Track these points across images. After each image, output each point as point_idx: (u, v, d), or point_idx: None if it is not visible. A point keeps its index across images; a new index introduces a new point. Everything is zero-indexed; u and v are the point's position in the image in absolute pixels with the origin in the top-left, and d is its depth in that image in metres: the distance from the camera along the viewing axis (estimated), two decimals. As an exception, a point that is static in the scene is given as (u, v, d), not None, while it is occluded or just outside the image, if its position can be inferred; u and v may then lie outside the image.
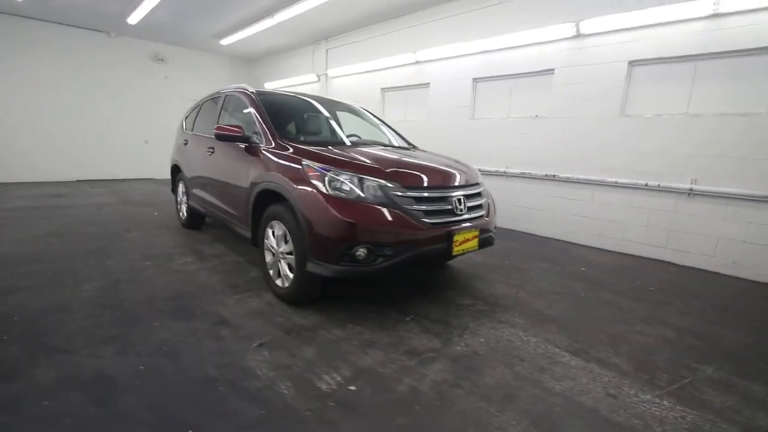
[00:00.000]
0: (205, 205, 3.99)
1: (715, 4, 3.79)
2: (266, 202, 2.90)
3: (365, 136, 3.87)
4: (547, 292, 3.28)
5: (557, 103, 5.13)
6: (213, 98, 4.35)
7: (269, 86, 10.47)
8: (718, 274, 4.03)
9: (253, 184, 2.95)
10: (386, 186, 2.41)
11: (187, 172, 4.43)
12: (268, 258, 2.92)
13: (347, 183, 2.39)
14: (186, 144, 4.55)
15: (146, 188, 8.34)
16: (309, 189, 2.42)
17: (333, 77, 8.46)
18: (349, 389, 1.87)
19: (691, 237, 4.23)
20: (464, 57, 6.02)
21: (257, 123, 3.18)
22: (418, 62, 6.69)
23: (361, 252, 2.31)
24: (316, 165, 2.48)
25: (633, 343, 2.49)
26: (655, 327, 2.73)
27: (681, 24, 4.09)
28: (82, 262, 3.44)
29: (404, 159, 2.87)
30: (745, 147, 3.85)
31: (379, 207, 2.36)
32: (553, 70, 5.13)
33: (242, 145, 3.18)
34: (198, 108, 4.66)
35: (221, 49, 9.82)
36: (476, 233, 2.72)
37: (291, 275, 2.66)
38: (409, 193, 2.47)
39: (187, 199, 4.54)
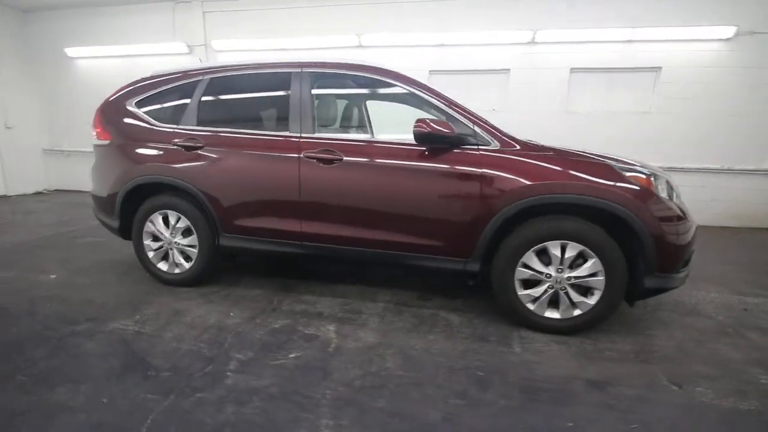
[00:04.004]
0: (306, 240, 2.58)
1: (632, 32, 5.34)
2: (513, 222, 2.29)
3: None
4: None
5: (513, 99, 5.92)
6: (248, 74, 2.79)
7: (74, 53, 6.93)
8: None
9: (498, 201, 2.24)
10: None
11: (222, 195, 2.66)
12: (525, 290, 2.33)
13: (668, 184, 2.26)
14: (194, 150, 2.69)
15: None
16: (653, 197, 2.14)
17: (221, 51, 6.47)
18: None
19: (614, 200, 5.94)
20: (420, 48, 5.94)
21: (463, 118, 2.38)
22: (361, 46, 6.07)
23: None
24: (643, 169, 2.20)
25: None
26: (730, 265, 3.85)
27: (606, 44, 5.51)
28: (206, 408, 1.69)
29: None
30: (642, 134, 5.70)
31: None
32: (509, 69, 5.85)
33: (409, 149, 2.38)
34: (195, 89, 2.81)
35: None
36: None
37: (589, 301, 2.26)
38: None
39: (216, 237, 2.76)
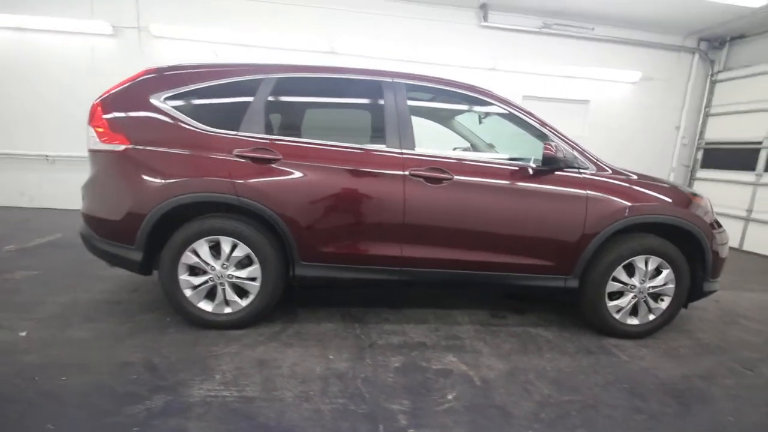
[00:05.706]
0: (406, 266, 2.35)
1: (567, 69, 6.29)
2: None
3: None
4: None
5: (476, 118, 6.38)
6: (325, 77, 2.50)
7: None
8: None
9: (601, 220, 2.42)
10: None
11: (306, 217, 2.24)
12: (612, 302, 2.56)
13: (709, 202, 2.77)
14: (269, 162, 2.21)
15: None
16: (708, 215, 2.59)
17: (159, 37, 5.39)
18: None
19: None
20: (392, 62, 5.94)
21: (563, 143, 2.50)
22: (334, 52, 5.79)
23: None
24: (695, 192, 2.64)
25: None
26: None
27: (550, 77, 6.39)
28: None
29: None
30: (575, 156, 6.74)
31: None
32: (473, 90, 6.29)
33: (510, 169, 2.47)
34: (258, 90, 2.32)
35: None
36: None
37: (662, 306, 2.61)
38: None
39: (290, 266, 2.31)
